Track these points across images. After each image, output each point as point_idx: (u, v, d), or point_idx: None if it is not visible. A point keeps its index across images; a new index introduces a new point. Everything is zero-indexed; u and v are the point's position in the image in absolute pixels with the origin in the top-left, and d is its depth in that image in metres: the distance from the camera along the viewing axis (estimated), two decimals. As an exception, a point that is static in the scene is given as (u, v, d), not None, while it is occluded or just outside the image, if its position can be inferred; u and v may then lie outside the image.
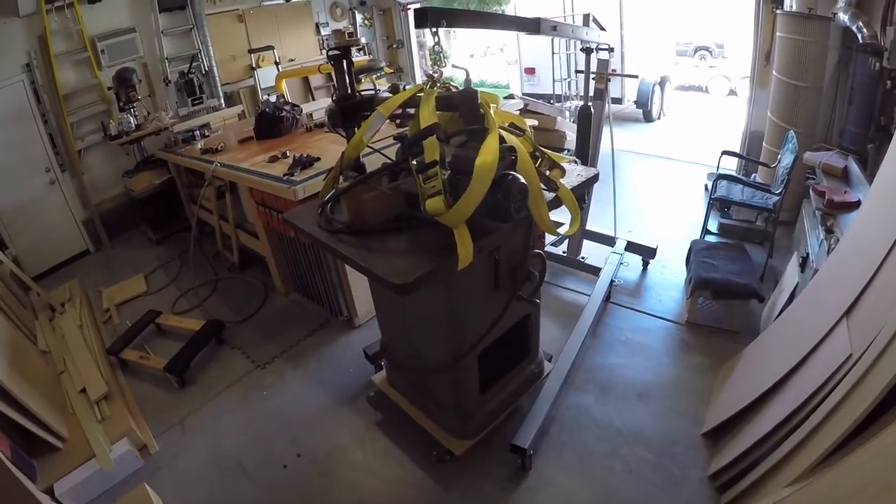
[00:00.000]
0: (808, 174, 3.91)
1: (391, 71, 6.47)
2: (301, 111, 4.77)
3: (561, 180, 1.86)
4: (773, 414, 2.15)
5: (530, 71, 9.26)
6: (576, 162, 2.15)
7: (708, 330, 3.28)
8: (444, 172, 1.53)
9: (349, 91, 2.11)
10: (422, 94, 1.83)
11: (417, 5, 8.09)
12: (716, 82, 10.99)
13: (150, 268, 4.73)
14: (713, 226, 4.32)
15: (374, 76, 5.60)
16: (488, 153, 1.53)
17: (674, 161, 6.53)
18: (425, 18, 1.70)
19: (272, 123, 4.49)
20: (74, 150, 4.98)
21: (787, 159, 3.63)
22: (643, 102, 8.43)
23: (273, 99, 4.87)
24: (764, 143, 4.47)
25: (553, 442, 2.53)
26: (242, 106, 6.25)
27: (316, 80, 7.21)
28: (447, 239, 1.58)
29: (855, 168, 3.15)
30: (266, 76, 6.45)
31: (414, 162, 1.56)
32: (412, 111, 1.94)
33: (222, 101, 6.02)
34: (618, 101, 8.42)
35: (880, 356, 1.75)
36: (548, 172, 1.84)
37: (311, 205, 2.15)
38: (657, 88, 8.45)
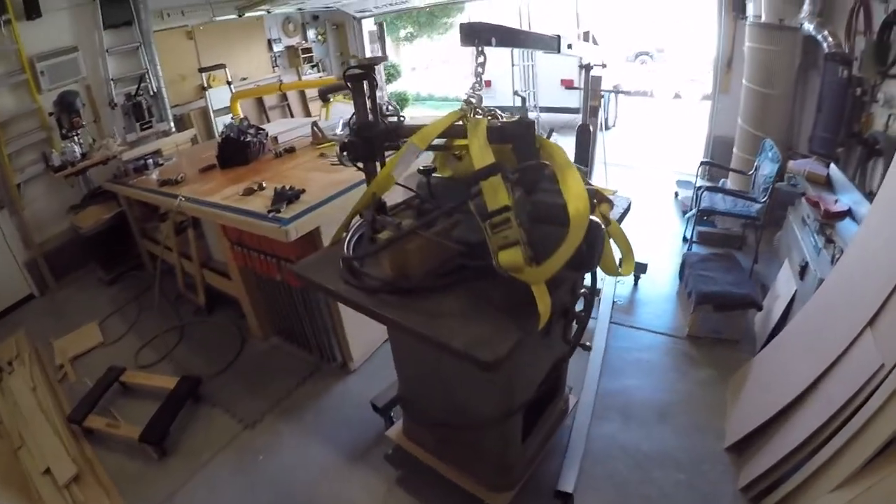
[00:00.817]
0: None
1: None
2: (266, 135, 4.41)
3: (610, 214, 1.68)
4: (803, 424, 2.13)
5: (487, 84, 9.19)
6: (614, 193, 1.97)
7: (709, 341, 3.24)
8: (516, 219, 1.30)
9: (371, 118, 1.82)
10: (461, 122, 1.60)
11: (371, 19, 7.85)
12: (661, 86, 11.30)
13: (104, 313, 4.20)
14: (691, 233, 4.30)
15: (345, 94, 5.30)
16: (579, 198, 1.31)
17: (637, 169, 6.57)
18: (473, 35, 1.47)
19: (237, 150, 4.10)
20: (13, 184, 4.37)
21: (768, 168, 3.64)
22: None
23: (228, 121, 4.46)
24: (735, 150, 4.51)
25: (588, 476, 2.38)
26: (194, 130, 5.76)
27: (270, 99, 6.82)
28: (513, 291, 1.36)
29: (839, 175, 3.19)
30: (218, 97, 5.99)
31: (472, 206, 1.33)
32: (440, 141, 1.71)
33: (172, 124, 5.53)
34: (575, 110, 8.45)
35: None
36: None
37: (325, 254, 1.85)
38: (612, 96, 8.52)
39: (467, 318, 1.35)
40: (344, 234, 1.87)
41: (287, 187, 3.08)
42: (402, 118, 1.83)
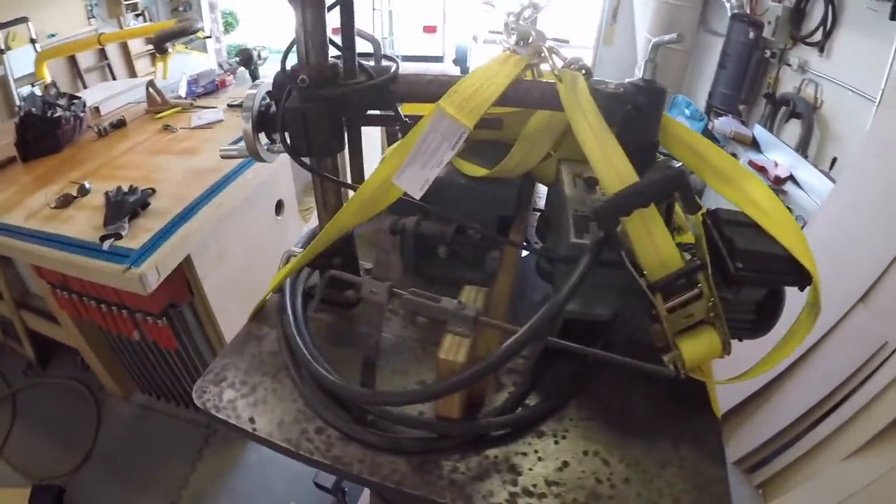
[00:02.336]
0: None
1: (205, 36, 4.59)
2: (84, 105, 2.93)
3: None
4: (798, 398, 1.99)
5: (337, 31, 7.95)
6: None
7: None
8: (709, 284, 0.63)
9: (339, 62, 0.79)
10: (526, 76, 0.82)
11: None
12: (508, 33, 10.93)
13: None
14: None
15: (187, 42, 3.86)
16: (799, 240, 0.64)
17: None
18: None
19: (44, 131, 2.60)
20: None
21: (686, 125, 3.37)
22: (461, 60, 7.77)
23: (38, 91, 2.93)
24: (631, 104, 4.21)
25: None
26: (-9, 109, 3.90)
27: (86, 60, 4.96)
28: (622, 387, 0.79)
29: (764, 135, 3.02)
30: (20, 60, 4.12)
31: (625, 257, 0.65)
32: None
33: (-38, 104, 3.66)
34: (439, 59, 7.66)
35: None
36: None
37: (247, 345, 0.93)
38: (472, 43, 7.87)
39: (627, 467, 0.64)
40: (268, 297, 0.97)
41: (126, 188, 1.91)
42: (395, 61, 0.84)
